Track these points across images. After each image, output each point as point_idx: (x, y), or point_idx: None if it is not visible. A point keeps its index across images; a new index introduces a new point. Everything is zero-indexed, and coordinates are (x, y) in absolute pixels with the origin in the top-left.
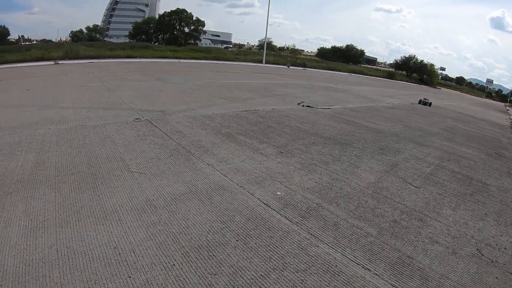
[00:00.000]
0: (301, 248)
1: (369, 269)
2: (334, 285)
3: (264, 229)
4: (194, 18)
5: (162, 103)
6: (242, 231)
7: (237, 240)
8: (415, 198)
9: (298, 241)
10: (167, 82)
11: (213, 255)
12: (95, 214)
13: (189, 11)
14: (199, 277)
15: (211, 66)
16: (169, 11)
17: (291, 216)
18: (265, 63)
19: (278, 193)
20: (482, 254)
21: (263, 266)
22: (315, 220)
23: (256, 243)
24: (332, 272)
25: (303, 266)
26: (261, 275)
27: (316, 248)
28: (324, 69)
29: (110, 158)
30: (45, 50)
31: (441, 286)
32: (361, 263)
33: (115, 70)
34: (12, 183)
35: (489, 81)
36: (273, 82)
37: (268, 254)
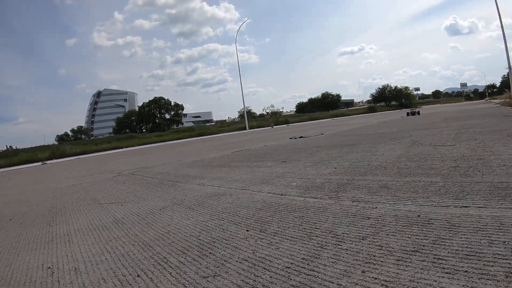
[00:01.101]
0: (354, 215)
1: (466, 206)
2: (437, 234)
3: (286, 213)
4: (172, 104)
5: (146, 163)
6: (252, 221)
7: (247, 230)
8: (457, 151)
9: (344, 210)
10: (152, 154)
11: (210, 253)
12: (36, 241)
13: (166, 98)
14: (176, 285)
15: (196, 140)
16: (148, 101)
17: (320, 195)
18: (249, 129)
19: (293, 184)
20: None
21: (303, 248)
22: (354, 190)
23: (279, 227)
24: (420, 224)
25: (370, 230)
26: (303, 258)
27: (375, 209)
28: (307, 121)
29: (79, 200)
30: (32, 153)
31: None
32: (451, 204)
33: (100, 158)
34: None
35: (463, 85)
36: (259, 136)
37: (305, 233)
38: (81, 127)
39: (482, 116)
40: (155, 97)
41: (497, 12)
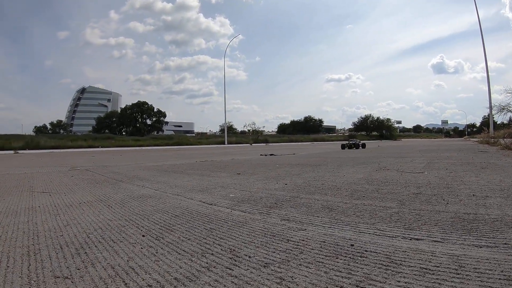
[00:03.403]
0: (273, 235)
1: (418, 239)
2: (367, 273)
3: (200, 223)
4: (155, 110)
5: (108, 162)
6: (158, 227)
7: (143, 236)
8: (423, 178)
9: (265, 228)
10: (122, 155)
11: (85, 253)
12: None
13: (150, 103)
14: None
15: (171, 149)
16: (131, 104)
17: (250, 209)
18: (228, 144)
19: (231, 195)
20: None
21: (186, 266)
22: (291, 208)
23: (179, 237)
24: (350, 256)
25: (282, 256)
26: (175, 278)
27: (302, 232)
28: (286, 142)
29: (16, 187)
30: (5, 140)
31: None
32: (399, 234)
33: (70, 154)
34: None
35: (444, 122)
36: (233, 151)
37: (202, 248)
38: (60, 121)
39: (459, 150)
40: (138, 101)
41: (483, 55)
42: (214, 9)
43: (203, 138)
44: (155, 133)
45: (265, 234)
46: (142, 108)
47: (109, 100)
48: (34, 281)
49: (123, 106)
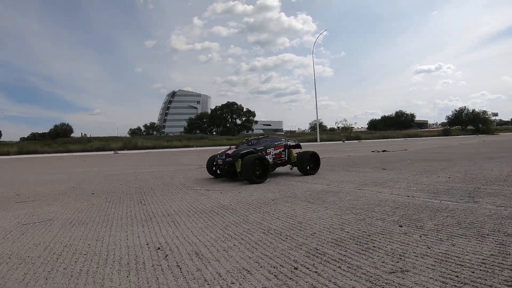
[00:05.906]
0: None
1: None
2: None
3: (431, 212)
4: (244, 110)
5: None
6: (397, 217)
7: (400, 226)
8: None
9: (497, 213)
10: None
11: (374, 247)
12: (129, 218)
13: (239, 104)
14: (359, 281)
15: None
16: (220, 105)
17: (454, 199)
18: (320, 141)
19: (412, 188)
20: None
21: (481, 246)
22: (490, 197)
23: (435, 224)
24: None
25: None
26: (492, 254)
27: None
28: (378, 139)
29: (167, 185)
30: (105, 142)
31: None
32: None
33: (172, 153)
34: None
35: None
36: (333, 148)
37: (470, 231)
38: (153, 123)
39: None
40: (228, 101)
41: None
42: (295, 7)
43: (295, 136)
44: (245, 132)
45: (502, 217)
46: (231, 108)
47: (198, 102)
48: (370, 278)
49: (212, 107)
